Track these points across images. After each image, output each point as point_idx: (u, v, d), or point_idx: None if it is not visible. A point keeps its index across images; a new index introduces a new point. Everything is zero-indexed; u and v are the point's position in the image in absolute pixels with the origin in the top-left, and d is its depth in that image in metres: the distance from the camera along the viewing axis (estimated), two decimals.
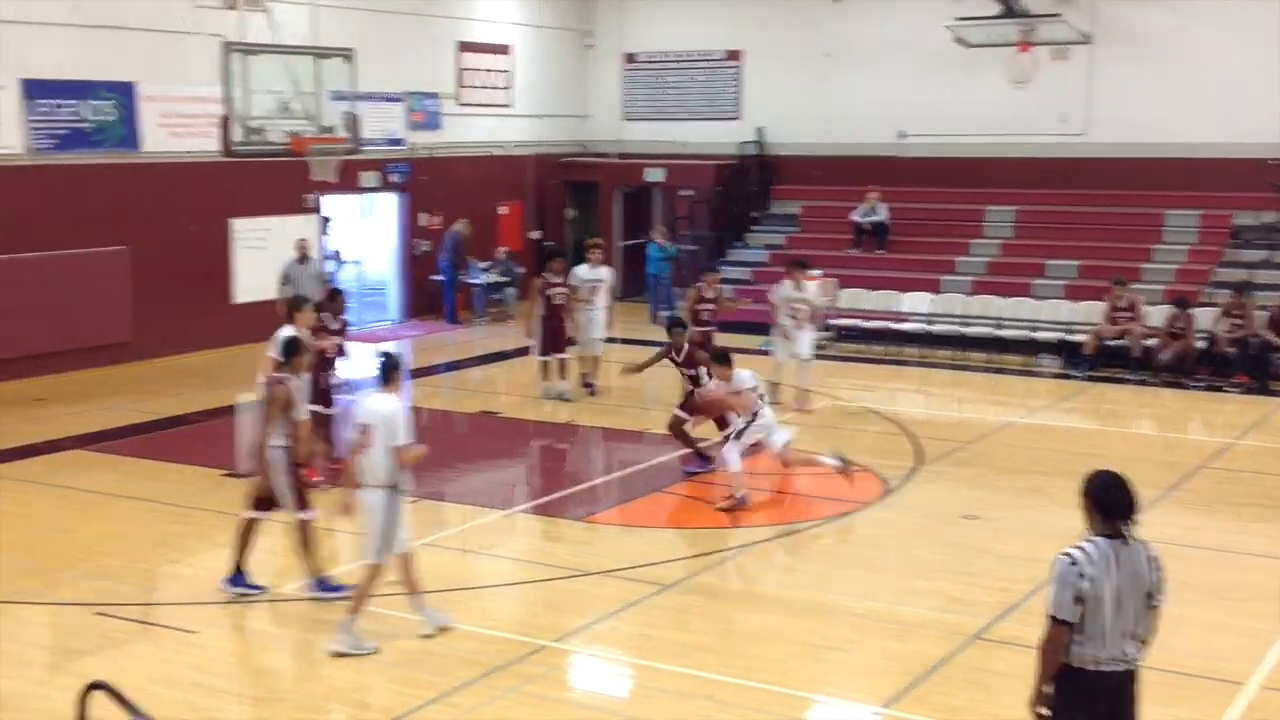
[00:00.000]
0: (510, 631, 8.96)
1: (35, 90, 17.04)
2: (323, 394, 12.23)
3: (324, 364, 12.36)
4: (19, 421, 14.91)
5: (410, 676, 8.18)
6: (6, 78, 16.67)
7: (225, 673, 8.32)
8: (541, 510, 12.05)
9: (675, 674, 8.28)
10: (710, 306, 15.86)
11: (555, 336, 15.99)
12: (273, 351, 11.56)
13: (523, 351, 17.98)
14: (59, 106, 17.37)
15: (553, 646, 8.72)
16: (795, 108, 24.57)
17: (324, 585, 9.47)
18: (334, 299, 13.15)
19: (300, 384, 10.66)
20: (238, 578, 9.51)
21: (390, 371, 8.86)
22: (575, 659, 8.73)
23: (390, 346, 10.95)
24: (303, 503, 9.45)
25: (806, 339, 16.13)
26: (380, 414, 8.60)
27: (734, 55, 25.42)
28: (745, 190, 24.91)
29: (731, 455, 11.88)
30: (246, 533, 9.54)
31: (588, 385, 16.64)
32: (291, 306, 11.99)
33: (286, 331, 11.75)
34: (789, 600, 9.68)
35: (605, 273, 16.92)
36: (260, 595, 9.50)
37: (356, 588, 8.72)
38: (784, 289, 16.21)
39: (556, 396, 15.94)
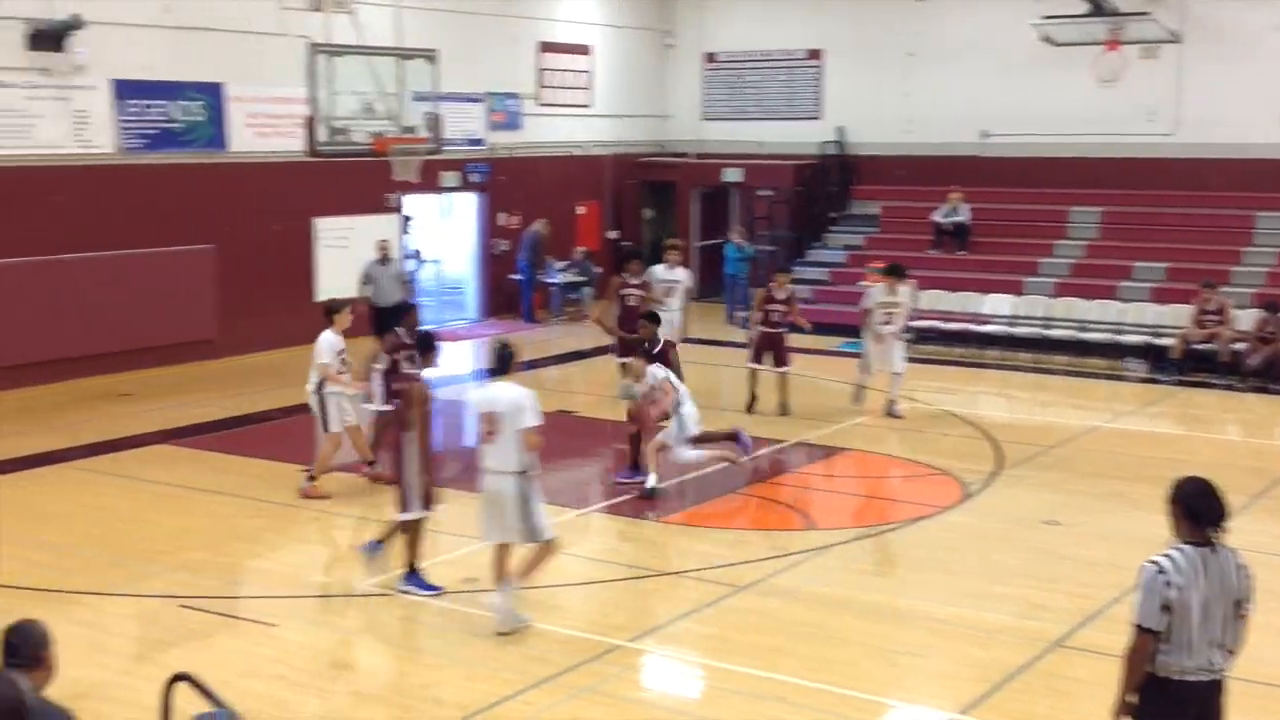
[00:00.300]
0: (584, 631, 8.97)
1: (125, 91, 17.40)
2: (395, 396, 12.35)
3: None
4: (106, 416, 15.23)
5: (485, 673, 8.22)
6: (98, 78, 17.04)
7: (304, 666, 8.42)
8: (616, 510, 12.05)
9: (749, 676, 8.24)
10: (780, 308, 15.75)
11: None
12: (325, 358, 11.66)
13: (600, 351, 18.02)
14: (148, 107, 17.72)
15: (626, 646, 8.72)
16: (876, 107, 24.38)
17: (415, 580, 9.54)
18: (409, 313, 13.08)
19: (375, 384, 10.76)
20: (412, 576, 9.60)
21: (508, 360, 9.07)
22: (649, 659, 8.72)
23: (506, 336, 11.00)
24: (427, 500, 9.51)
25: (899, 351, 15.69)
26: (505, 401, 8.81)
27: (815, 54, 25.28)
28: (824, 190, 24.76)
29: (686, 453, 12.19)
30: (410, 532, 9.59)
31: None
32: (329, 310, 12.32)
33: (329, 337, 11.86)
34: (865, 603, 9.59)
35: (682, 274, 16.61)
36: (436, 596, 9.53)
37: (527, 563, 8.96)
38: (877, 293, 15.76)
39: (629, 397, 15.84)
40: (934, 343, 20.22)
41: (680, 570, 10.13)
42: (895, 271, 15.96)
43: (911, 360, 16.39)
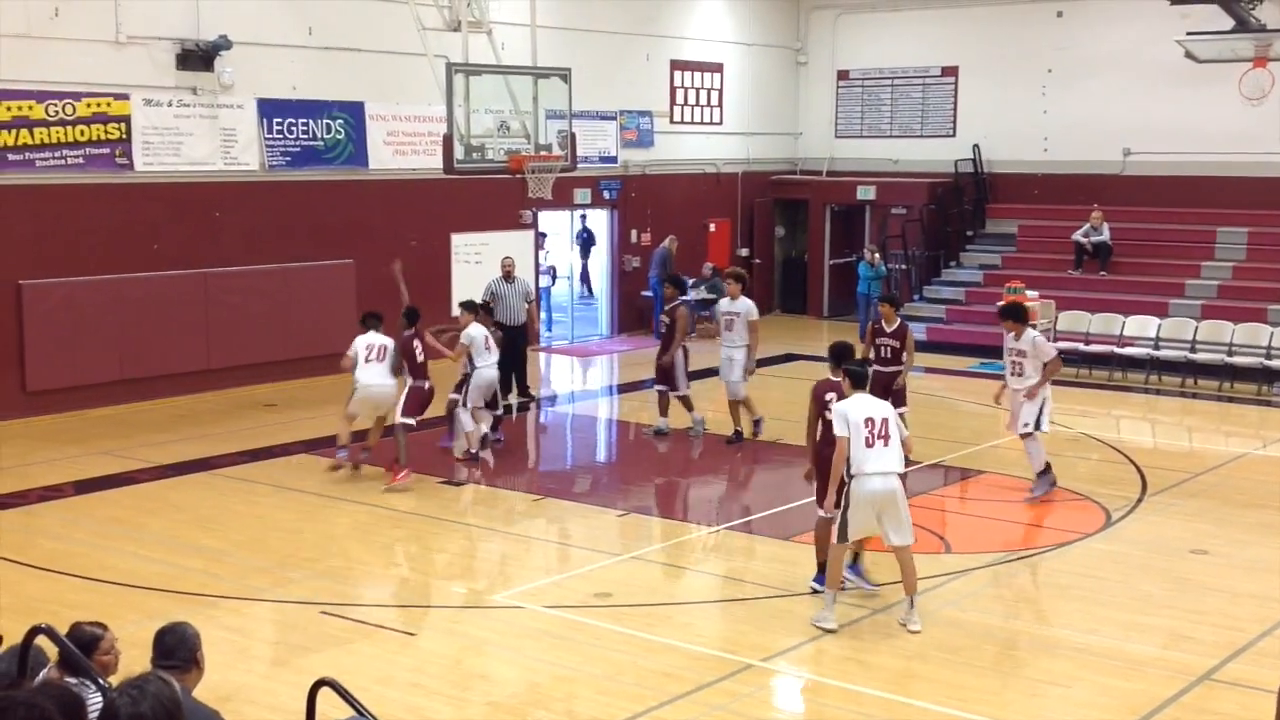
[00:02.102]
0: (716, 649, 8.93)
1: (270, 110, 17.91)
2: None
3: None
4: (253, 425, 15.65)
5: (618, 688, 8.23)
6: (244, 98, 17.57)
7: (440, 675, 8.52)
8: (746, 528, 11.99)
9: (885, 700, 8.12)
10: (892, 343, 13.78)
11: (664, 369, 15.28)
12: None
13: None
14: (292, 125, 18.21)
15: (759, 666, 8.65)
16: (1013, 124, 23.98)
17: (855, 570, 10.02)
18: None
19: None
20: (853, 567, 10.02)
21: (862, 377, 9.45)
22: (782, 680, 8.65)
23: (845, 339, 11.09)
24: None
25: (1026, 411, 12.58)
26: (883, 411, 9.24)
27: (950, 71, 24.96)
28: (959, 208, 24.42)
29: (464, 416, 13.60)
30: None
31: (737, 434, 15.06)
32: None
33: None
34: (1005, 630, 9.39)
35: (744, 305, 14.95)
36: (873, 592, 9.94)
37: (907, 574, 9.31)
38: (1008, 339, 13.00)
39: (655, 432, 15.30)
40: (1073, 364, 19.77)
41: (815, 591, 10.02)
42: (1011, 314, 12.83)
43: (1052, 383, 15.94)
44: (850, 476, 9.15)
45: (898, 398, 13.46)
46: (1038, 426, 12.49)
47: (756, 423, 15.18)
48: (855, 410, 9.18)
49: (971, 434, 15.61)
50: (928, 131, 25.27)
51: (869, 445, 9.07)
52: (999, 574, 10.71)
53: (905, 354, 13.74)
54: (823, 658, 8.88)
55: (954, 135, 24.83)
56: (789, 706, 8.42)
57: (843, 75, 26.18)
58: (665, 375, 15.19)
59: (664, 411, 15.33)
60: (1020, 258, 22.98)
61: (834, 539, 9.40)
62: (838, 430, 9.17)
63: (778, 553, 11.18)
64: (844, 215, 25.97)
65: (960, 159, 24.36)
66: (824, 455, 9.68)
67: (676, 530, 11.94)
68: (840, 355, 10.18)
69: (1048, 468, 12.67)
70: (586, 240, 26.33)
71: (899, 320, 13.91)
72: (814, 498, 10.04)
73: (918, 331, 21.82)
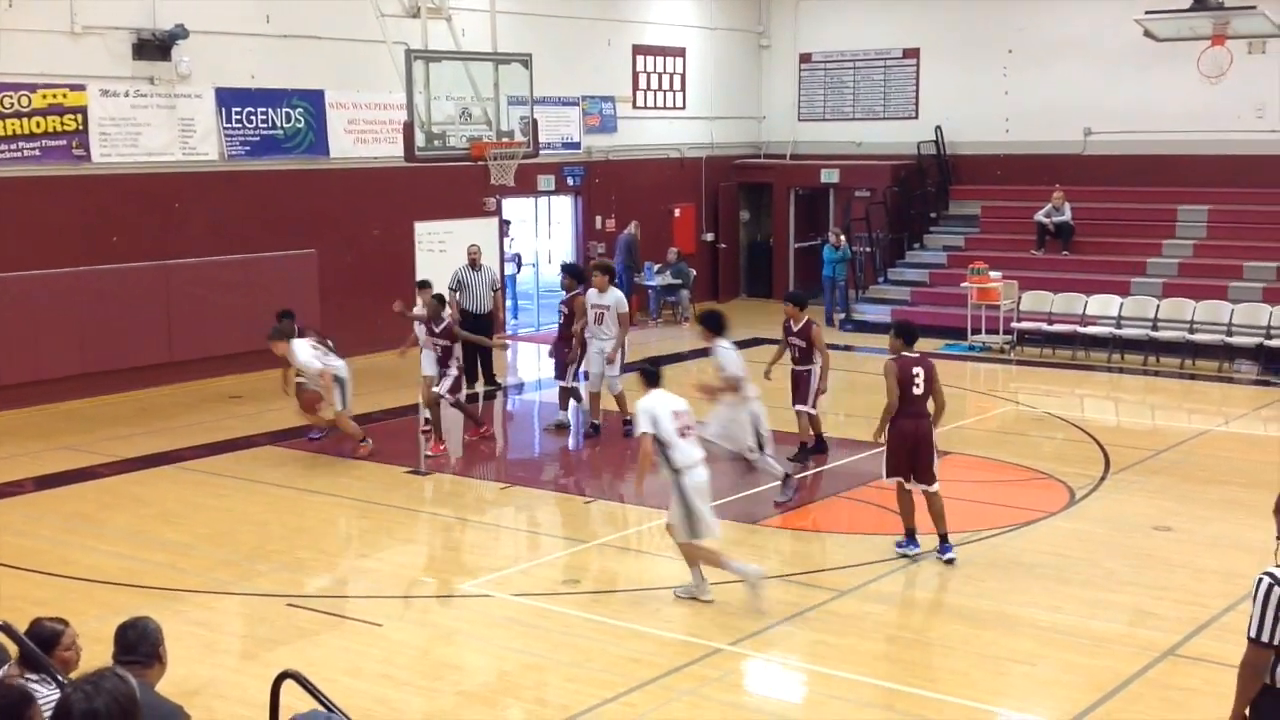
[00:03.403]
0: (685, 634, 8.95)
1: (229, 99, 17.74)
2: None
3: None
4: (217, 417, 15.55)
5: (587, 675, 8.23)
6: (202, 87, 17.40)
7: (409, 665, 8.50)
8: (716, 513, 11.97)
9: (852, 681, 8.16)
10: (799, 342, 13.27)
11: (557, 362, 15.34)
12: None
13: (698, 353, 17.98)
14: (252, 115, 18.05)
15: (728, 650, 8.67)
16: (975, 106, 24.07)
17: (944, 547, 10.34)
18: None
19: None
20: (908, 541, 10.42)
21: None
22: (751, 663, 8.67)
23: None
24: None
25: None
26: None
27: (911, 54, 25.02)
28: (923, 190, 24.49)
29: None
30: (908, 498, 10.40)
31: (594, 427, 14.78)
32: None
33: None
34: (971, 610, 9.44)
35: (614, 297, 14.47)
36: (917, 555, 10.35)
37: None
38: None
39: (555, 425, 15.22)
40: (1036, 344, 19.89)
41: (781, 574, 10.05)
42: (902, 332, 10.88)
43: (1013, 362, 16.11)
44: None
45: (802, 396, 13.32)
46: (760, 447, 11.83)
47: (626, 422, 14.16)
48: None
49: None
50: (890, 114, 25.33)
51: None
52: (964, 554, 10.76)
53: (816, 353, 13.19)
54: (791, 641, 8.91)
55: (916, 117, 24.89)
56: (758, 690, 8.45)
57: (805, 58, 26.19)
58: (558, 367, 15.11)
59: (565, 405, 15.17)
60: (983, 238, 23.09)
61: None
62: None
63: (744, 538, 11.20)
64: (808, 199, 26.01)
65: (923, 141, 24.43)
66: (903, 428, 10.40)
67: (644, 516, 11.93)
68: (911, 333, 10.80)
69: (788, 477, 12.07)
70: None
71: (805, 319, 13.29)
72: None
73: (882, 313, 22.03)
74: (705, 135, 25.51)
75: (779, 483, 12.01)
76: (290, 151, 18.57)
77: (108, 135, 16.53)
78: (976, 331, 20.62)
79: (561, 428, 15.08)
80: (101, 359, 16.43)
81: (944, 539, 10.39)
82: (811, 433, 13.63)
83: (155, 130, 17.00)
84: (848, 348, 20.70)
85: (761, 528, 11.48)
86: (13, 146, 15.66)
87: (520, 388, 18.72)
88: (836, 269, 22.93)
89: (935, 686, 8.05)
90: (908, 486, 10.44)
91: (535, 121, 16.95)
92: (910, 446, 10.38)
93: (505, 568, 10.45)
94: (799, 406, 13.48)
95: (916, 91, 25.08)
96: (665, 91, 24.80)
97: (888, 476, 10.58)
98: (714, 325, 12.16)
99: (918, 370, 10.43)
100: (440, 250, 20.13)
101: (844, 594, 9.66)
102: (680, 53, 24.95)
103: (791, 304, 13.45)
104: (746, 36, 26.36)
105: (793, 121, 26.37)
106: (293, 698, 5.84)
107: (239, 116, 17.91)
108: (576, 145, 22.92)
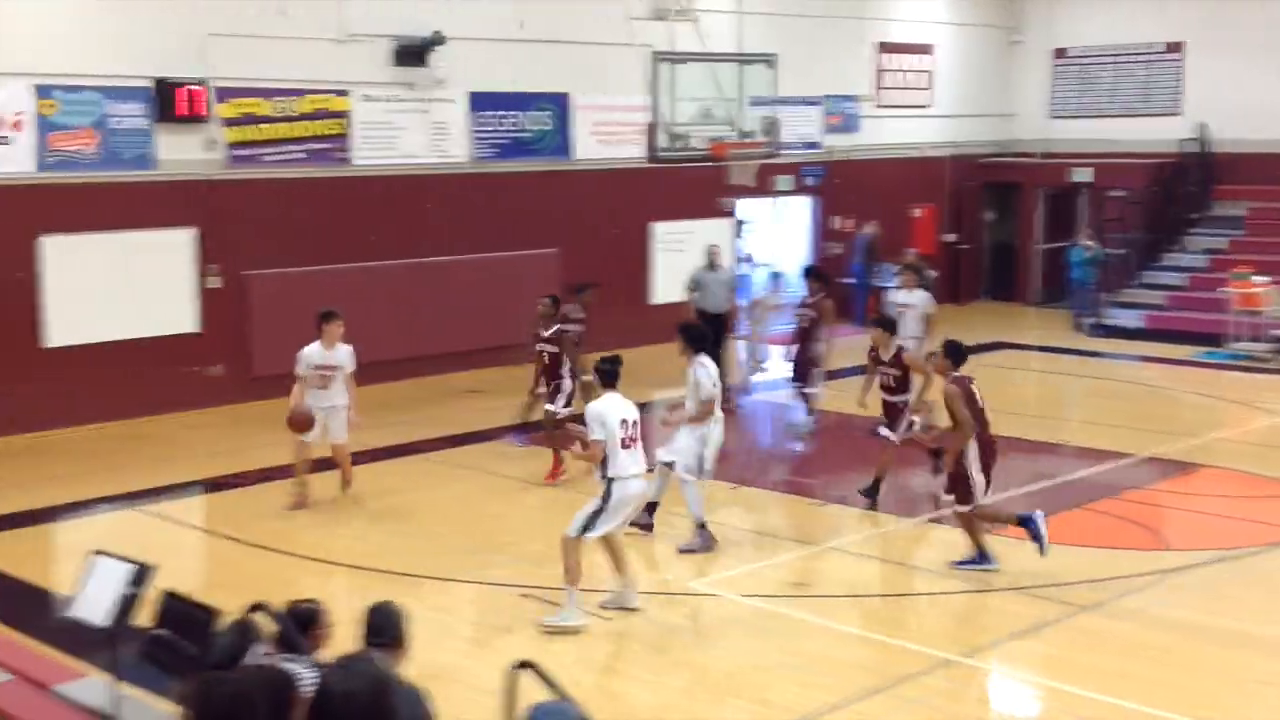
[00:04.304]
0: (915, 643, 8.78)
1: (480, 103, 18.33)
2: None
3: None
4: (459, 411, 16.07)
5: (814, 680, 8.16)
6: (456, 91, 18.03)
7: (637, 660, 8.60)
8: (949, 521, 11.69)
9: (1090, 700, 7.84)
10: (893, 371, 12.23)
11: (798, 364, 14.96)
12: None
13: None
14: (501, 118, 18.61)
15: (960, 662, 8.46)
16: (1243, 101, 22.74)
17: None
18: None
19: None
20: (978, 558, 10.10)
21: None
22: (984, 676, 8.44)
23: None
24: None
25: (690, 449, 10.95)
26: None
27: (1174, 47, 23.85)
28: (1183, 190, 23.31)
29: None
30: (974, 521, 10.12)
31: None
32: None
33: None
34: (1222, 630, 8.94)
35: (919, 296, 14.58)
36: (990, 570, 10.03)
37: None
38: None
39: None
40: None
41: (1020, 586, 9.74)
42: (951, 353, 10.47)
43: (1278, 373, 15.14)
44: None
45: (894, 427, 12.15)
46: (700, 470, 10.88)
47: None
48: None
49: (1191, 426, 14.92)
50: (1150, 110, 24.22)
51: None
52: (1217, 572, 10.20)
53: (912, 382, 12.11)
54: (1028, 655, 8.63)
55: (1179, 114, 23.73)
56: (991, 704, 8.21)
57: (1059, 54, 25.29)
58: (800, 370, 14.84)
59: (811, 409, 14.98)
60: (1249, 241, 21.82)
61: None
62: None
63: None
64: (1058, 198, 25.13)
65: (1185, 138, 23.26)
66: (988, 445, 10.14)
67: (875, 521, 11.75)
68: (961, 353, 10.39)
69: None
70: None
71: (896, 347, 12.31)
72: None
73: (1134, 318, 21.10)
74: (950, 134, 24.93)
75: (695, 527, 10.77)
76: (536, 153, 19.05)
77: (367, 139, 17.31)
78: (1238, 339, 19.52)
79: (797, 430, 14.98)
80: (354, 351, 17.17)
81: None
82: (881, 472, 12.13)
83: (411, 134, 17.72)
84: (1094, 354, 19.91)
85: (1000, 537, 11.13)
86: (282, 149, 16.57)
87: (752, 388, 18.68)
88: (1085, 272, 22.05)
89: (1177, 708, 7.66)
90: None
91: (777, 121, 16.89)
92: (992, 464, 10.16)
93: (734, 568, 10.45)
94: (887, 433, 12.18)
95: (1179, 87, 23.90)
96: (910, 89, 24.35)
97: (979, 500, 10.07)
98: (694, 338, 10.96)
99: (975, 388, 10.12)
100: (678, 250, 20.30)
101: (1084, 609, 9.29)
102: (927, 50, 24.46)
103: (880, 329, 12.43)
104: (997, 32, 25.64)
105: (1044, 119, 25.50)
106: (528, 686, 5.98)
107: (489, 119, 18.49)
108: (816, 145, 22.75)
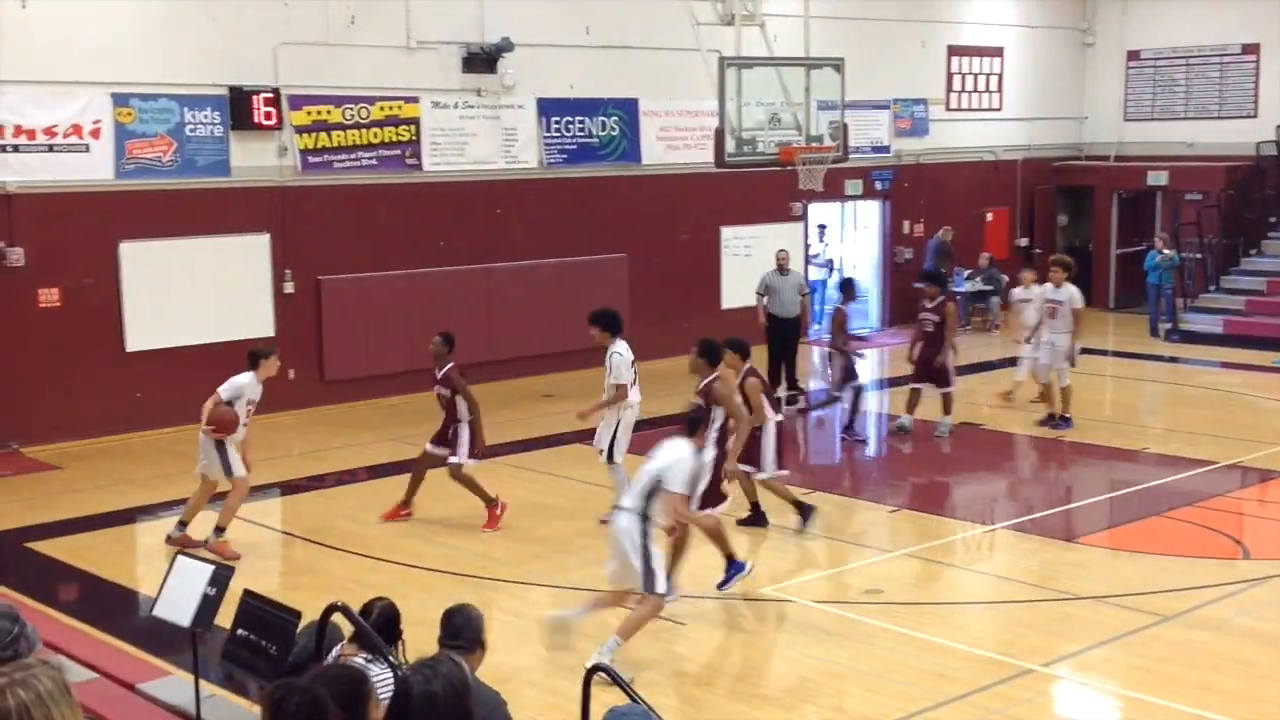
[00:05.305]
0: (994, 651, 8.66)
1: (549, 109, 18.41)
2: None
3: None
4: (532, 415, 16.13)
5: (889, 686, 8.09)
6: (525, 97, 18.11)
7: (709, 665, 8.56)
8: (1026, 528, 11.57)
9: (1176, 711, 7.70)
10: (932, 317, 14.67)
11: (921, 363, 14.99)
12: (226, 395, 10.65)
13: (1007, 362, 17.51)
14: (570, 123, 18.67)
15: (1040, 671, 8.34)
16: None
17: None
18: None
19: None
20: None
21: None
22: (1064, 686, 8.31)
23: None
24: None
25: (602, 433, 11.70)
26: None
27: (1251, 49, 23.43)
28: (1261, 193, 22.89)
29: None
30: None
31: (1049, 419, 15.16)
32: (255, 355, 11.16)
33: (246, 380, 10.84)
34: None
35: (1067, 293, 15.15)
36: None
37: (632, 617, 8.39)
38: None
39: (897, 429, 15.03)
40: None
41: (1099, 595, 9.60)
42: (599, 321, 11.71)
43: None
44: None
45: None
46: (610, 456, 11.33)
47: (1061, 418, 15.09)
48: None
49: (1272, 433, 14.62)
50: (1226, 112, 23.80)
51: None
52: None
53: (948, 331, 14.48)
54: (1110, 665, 8.49)
55: (1256, 116, 23.30)
56: (1072, 714, 8.09)
57: (1133, 56, 24.93)
58: (935, 373, 14.79)
59: (912, 409, 14.97)
60: None
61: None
62: None
63: (1059, 555, 10.76)
64: (1132, 202, 24.76)
65: (1262, 141, 22.84)
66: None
67: (950, 528, 11.64)
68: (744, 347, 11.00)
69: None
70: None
71: (941, 297, 14.78)
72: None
73: (1213, 323, 20.74)
74: (1022, 137, 24.66)
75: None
76: (604, 158, 19.10)
77: (437, 145, 17.44)
78: None
79: (904, 431, 14.95)
80: (425, 357, 17.26)
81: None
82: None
83: (480, 140, 17.82)
84: (1172, 359, 19.60)
85: (1079, 545, 10.99)
86: (353, 156, 16.73)
87: (823, 393, 18.57)
88: (1162, 276, 21.72)
89: None
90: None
91: (846, 126, 16.80)
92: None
93: (807, 574, 10.39)
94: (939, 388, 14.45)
95: (1256, 89, 23.47)
96: (981, 93, 24.13)
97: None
98: (610, 324, 11.51)
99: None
100: (746, 255, 20.25)
101: (1168, 619, 9.13)
102: (998, 52, 24.22)
103: (931, 284, 14.91)
104: (1069, 34, 25.33)
105: (1118, 122, 25.14)
106: (601, 691, 5.98)
107: (558, 125, 18.56)
108: (886, 149, 22.60)
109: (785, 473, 11.34)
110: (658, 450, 8.61)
